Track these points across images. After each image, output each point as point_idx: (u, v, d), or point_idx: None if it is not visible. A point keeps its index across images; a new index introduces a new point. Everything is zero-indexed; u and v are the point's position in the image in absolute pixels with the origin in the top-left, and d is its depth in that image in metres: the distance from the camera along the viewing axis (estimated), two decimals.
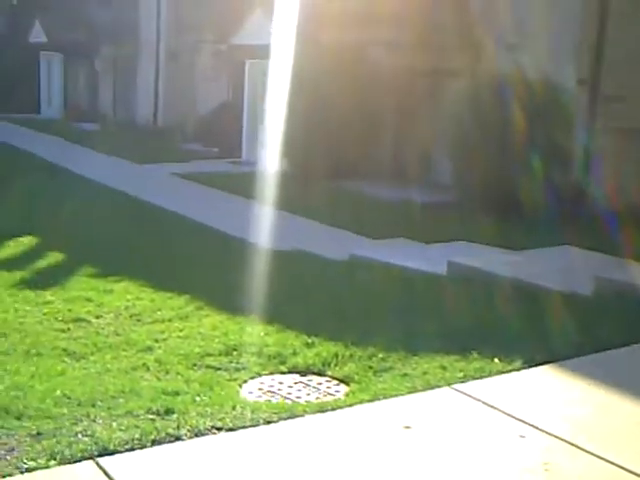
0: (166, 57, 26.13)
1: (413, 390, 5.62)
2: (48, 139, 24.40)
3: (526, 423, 4.93)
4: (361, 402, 5.37)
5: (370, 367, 6.31)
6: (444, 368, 6.06)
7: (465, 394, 5.44)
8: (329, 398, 5.79)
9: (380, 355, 6.50)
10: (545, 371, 5.93)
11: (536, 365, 6.01)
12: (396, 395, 5.53)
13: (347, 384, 6.08)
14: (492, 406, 5.21)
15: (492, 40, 14.28)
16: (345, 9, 16.54)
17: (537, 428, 4.87)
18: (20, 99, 30.82)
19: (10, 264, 9.82)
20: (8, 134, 24.08)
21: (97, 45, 29.60)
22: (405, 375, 6.06)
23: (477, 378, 5.76)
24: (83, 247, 10.67)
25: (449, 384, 5.64)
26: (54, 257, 10.41)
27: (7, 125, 27.17)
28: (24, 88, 31.33)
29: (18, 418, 5.00)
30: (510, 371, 5.94)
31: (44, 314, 7.75)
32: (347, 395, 5.83)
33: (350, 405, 5.33)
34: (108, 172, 17.87)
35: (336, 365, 6.40)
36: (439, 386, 5.64)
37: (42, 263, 10.12)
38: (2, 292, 8.46)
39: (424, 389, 5.62)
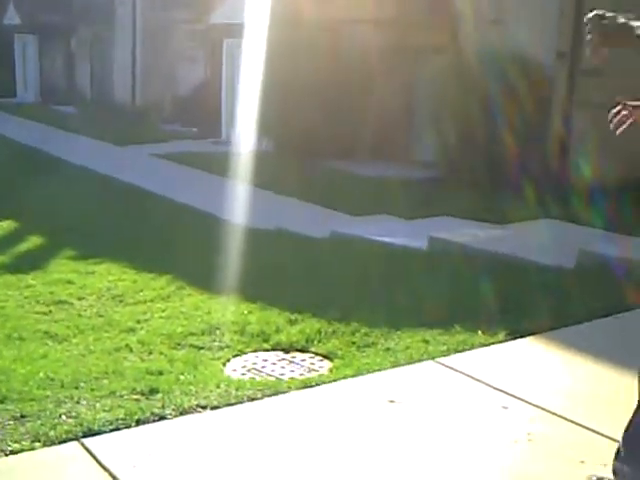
0: (143, 36, 25.93)
1: (396, 364, 5.63)
2: (25, 123, 24.21)
3: (509, 394, 4.96)
4: (345, 377, 5.38)
5: (353, 342, 6.33)
6: (427, 342, 6.08)
7: (448, 367, 5.46)
8: (313, 374, 5.79)
9: (363, 331, 6.52)
10: (528, 343, 5.96)
11: (519, 337, 6.04)
12: (379, 370, 5.54)
13: (331, 360, 6.09)
14: (475, 378, 5.23)
15: (471, 15, 14.25)
16: None
17: (520, 399, 4.89)
18: None
19: None
20: None
21: (73, 25, 29.33)
22: (388, 350, 6.07)
23: (460, 351, 5.78)
24: (63, 230, 10.61)
25: (432, 358, 5.66)
26: (34, 241, 10.36)
27: None
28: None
29: (1, 401, 4.98)
30: (493, 343, 5.97)
31: (25, 297, 7.72)
32: (331, 371, 5.85)
33: (334, 380, 5.34)
34: (86, 154, 17.75)
35: (319, 341, 6.41)
36: (422, 360, 5.66)
37: (22, 247, 10.08)
38: None
39: (407, 363, 5.63)
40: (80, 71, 30.76)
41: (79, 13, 27.91)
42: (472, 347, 5.86)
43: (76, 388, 5.33)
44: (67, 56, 31.31)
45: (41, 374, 5.64)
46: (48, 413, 4.70)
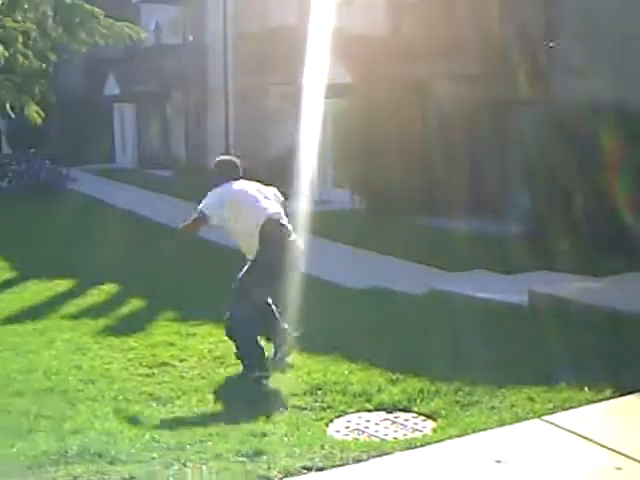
0: (235, 100, 26.50)
1: (502, 423, 5.54)
2: (123, 187, 24.87)
3: (622, 454, 4.81)
4: (450, 437, 5.32)
5: (456, 401, 6.26)
6: (532, 400, 5.97)
7: (556, 425, 5.34)
8: (417, 434, 5.74)
9: (466, 389, 6.44)
10: (637, 399, 5.79)
11: (627, 393, 5.87)
12: (485, 429, 5.46)
13: (434, 420, 6.03)
14: (585, 437, 5.10)
15: (561, 67, 14.18)
16: (411, 43, 16.61)
17: (635, 460, 4.74)
18: (96, 150, 31.55)
19: (94, 312, 9.98)
20: (86, 184, 24.61)
21: (168, 93, 30.19)
22: (492, 408, 5.98)
23: (567, 409, 5.66)
24: (164, 292, 10.79)
25: (538, 416, 5.55)
26: (135, 303, 10.55)
27: (85, 175, 27.80)
28: (100, 139, 32.08)
29: (111, 463, 5.07)
30: (600, 400, 5.82)
31: (129, 359, 7.84)
32: (435, 431, 5.78)
33: (439, 441, 5.28)
34: (183, 218, 18.07)
35: (422, 401, 6.36)
36: (528, 418, 5.56)
37: (124, 309, 10.27)
38: (88, 339, 8.59)
39: (513, 422, 5.54)
40: (175, 136, 31.56)
41: (173, 81, 28.71)
42: (579, 404, 5.73)
43: (182, 450, 5.39)
44: (163, 122, 32.21)
45: (147, 436, 5.73)
46: (157, 475, 4.75)
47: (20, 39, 9.15)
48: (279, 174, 19.42)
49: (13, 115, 10.20)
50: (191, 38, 30.11)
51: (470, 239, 12.93)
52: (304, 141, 19.90)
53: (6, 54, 7.91)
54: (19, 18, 8.86)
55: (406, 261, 12.14)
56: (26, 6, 7.94)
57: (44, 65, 9.62)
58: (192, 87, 28.46)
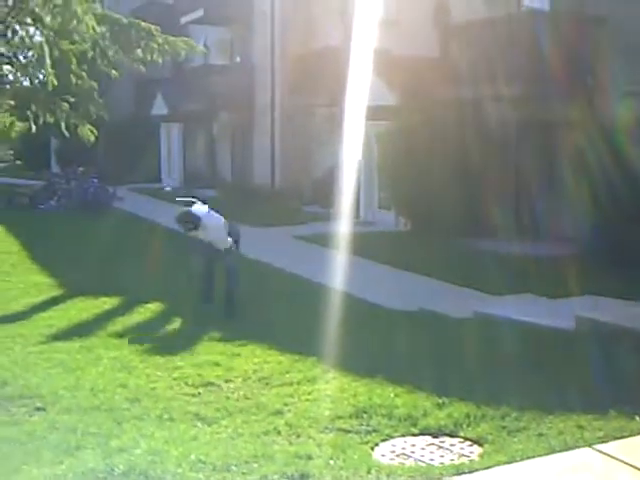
0: (281, 121, 26.63)
1: (551, 451, 5.46)
2: (169, 207, 25.04)
3: None
4: (498, 464, 5.26)
5: (503, 427, 6.19)
6: (581, 427, 5.89)
7: (607, 455, 5.24)
8: (464, 460, 5.68)
9: (513, 414, 6.37)
10: None
11: None
12: (533, 456, 5.39)
13: (481, 445, 5.96)
14: (638, 468, 5.00)
15: (606, 86, 14.08)
16: (457, 65, 16.61)
17: None
18: (143, 169, 31.87)
19: (139, 330, 10.05)
20: (132, 203, 24.88)
21: (215, 113, 30.42)
22: (540, 435, 5.91)
23: (619, 438, 5.57)
24: (207, 310, 10.84)
25: (589, 444, 5.46)
26: (180, 322, 10.60)
27: (132, 194, 28.10)
28: (147, 158, 32.41)
29: None
30: None
31: (174, 379, 7.86)
32: (482, 456, 5.72)
33: (487, 467, 5.22)
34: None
35: (469, 425, 6.30)
36: (578, 446, 5.47)
37: (169, 328, 10.32)
38: (134, 358, 8.64)
39: (562, 450, 5.46)
40: (221, 156, 31.79)
41: (220, 101, 28.92)
42: (631, 434, 5.63)
43: (227, 471, 5.40)
44: (209, 142, 32.46)
45: (193, 456, 5.74)
46: None
47: (75, 61, 9.27)
48: (324, 194, 19.51)
49: (68, 134, 10.32)
50: (238, 59, 30.38)
51: (515, 262, 12.85)
52: (349, 162, 19.94)
53: (55, 82, 8.01)
54: (76, 38, 8.98)
55: (450, 284, 12.08)
56: (84, 28, 8.06)
57: (95, 85, 9.75)
58: (239, 107, 28.65)
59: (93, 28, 7.96)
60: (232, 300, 10.80)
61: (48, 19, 7.50)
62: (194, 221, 10.41)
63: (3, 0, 7.26)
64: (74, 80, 9.16)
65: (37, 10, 7.41)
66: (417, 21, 19.05)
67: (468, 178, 14.86)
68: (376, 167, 19.91)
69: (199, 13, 29.62)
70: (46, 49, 7.72)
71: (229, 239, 10.73)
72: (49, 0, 7.58)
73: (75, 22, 7.84)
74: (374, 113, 18.69)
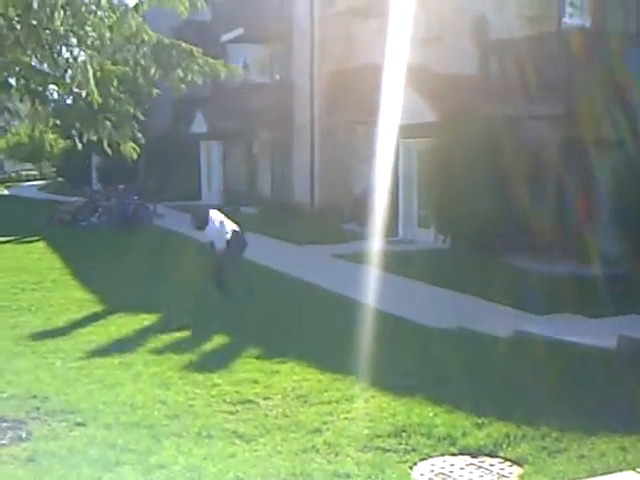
0: (320, 138, 26.70)
1: (592, 473, 5.40)
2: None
3: None
4: None
5: (544, 448, 6.13)
6: (624, 449, 5.81)
7: None
8: None
9: (553, 435, 6.31)
10: None
11: None
12: (574, 478, 5.32)
13: (521, 465, 5.91)
14: None
15: None
16: (497, 82, 16.54)
17: None
18: (183, 186, 32.11)
19: (178, 347, 10.07)
20: (172, 220, 25.05)
21: (254, 130, 30.57)
22: (582, 457, 5.84)
23: None
24: (246, 328, 10.85)
25: (632, 467, 5.38)
26: (219, 339, 10.62)
27: (172, 211, 28.30)
28: (186, 176, 32.67)
29: None
30: None
31: (212, 396, 7.88)
32: (522, 477, 5.67)
33: None
34: (269, 254, 18.26)
35: (508, 446, 6.25)
36: (621, 469, 5.39)
37: (208, 345, 10.34)
38: (173, 375, 8.67)
39: (604, 472, 5.39)
40: (261, 173, 31.93)
41: (260, 118, 29.07)
42: None
43: None
44: (248, 159, 32.62)
45: (231, 474, 5.75)
46: None
47: (116, 82, 9.38)
48: (363, 212, 19.50)
49: (110, 152, 10.43)
50: (278, 76, 30.52)
51: (556, 280, 12.74)
52: (388, 180, 19.93)
53: (99, 100, 8.12)
54: (117, 58, 9.10)
55: (490, 302, 11.98)
56: (129, 47, 8.16)
57: (131, 110, 9.84)
58: (278, 124, 28.76)
59: (149, 36, 8.09)
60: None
61: (94, 37, 7.60)
62: (205, 221, 12.68)
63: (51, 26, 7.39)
64: (112, 103, 9.26)
65: (89, 29, 7.53)
66: (456, 38, 19.03)
67: (509, 195, 14.77)
68: (415, 185, 19.87)
69: (239, 32, 29.83)
70: (90, 69, 7.80)
71: (224, 244, 12.65)
72: (105, 17, 7.70)
73: (131, 34, 7.97)
74: (413, 130, 18.69)
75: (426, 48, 20.17)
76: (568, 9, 16.58)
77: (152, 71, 9.52)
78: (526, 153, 15.35)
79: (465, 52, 18.24)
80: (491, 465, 6.00)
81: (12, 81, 9.03)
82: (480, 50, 17.66)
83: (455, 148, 16.03)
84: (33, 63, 8.64)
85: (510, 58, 16.19)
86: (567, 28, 16.30)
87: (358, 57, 23.29)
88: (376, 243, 18.41)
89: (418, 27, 20.10)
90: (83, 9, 7.60)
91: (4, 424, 7.04)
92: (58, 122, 10.21)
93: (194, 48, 10.08)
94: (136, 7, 9.15)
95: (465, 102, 16.70)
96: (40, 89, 9.12)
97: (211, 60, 10.22)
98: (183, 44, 10.09)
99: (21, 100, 9.75)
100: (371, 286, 13.28)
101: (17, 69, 8.65)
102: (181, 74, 9.81)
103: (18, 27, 7.81)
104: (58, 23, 7.66)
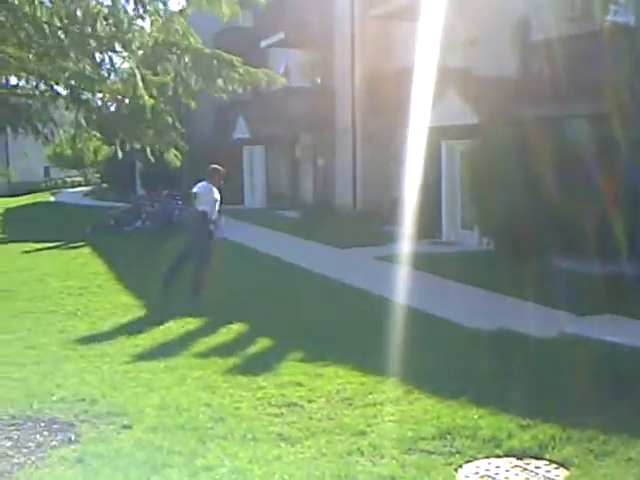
0: (362, 142, 26.73)
1: None
2: (252, 228, 25.34)
3: None
4: None
5: (590, 450, 6.08)
6: None
7: None
8: None
9: (600, 438, 6.26)
10: None
11: None
12: None
13: (567, 468, 5.86)
14: None
15: None
16: (539, 83, 16.44)
17: None
18: (226, 191, 32.25)
19: (223, 350, 10.14)
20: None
21: (296, 135, 30.68)
22: (630, 460, 5.79)
23: None
24: (290, 331, 10.89)
25: None
26: (263, 342, 10.67)
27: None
28: (229, 180, 32.80)
29: None
30: None
31: (258, 399, 7.92)
32: None
33: None
34: (311, 257, 18.34)
35: (554, 448, 6.20)
36: None
37: (252, 349, 10.39)
38: (218, 378, 8.73)
39: None
40: (303, 177, 32.03)
41: (302, 123, 29.16)
42: None
43: None
44: (291, 163, 32.74)
45: (276, 476, 5.79)
46: None
47: (155, 92, 9.48)
48: (405, 214, 19.48)
49: (153, 160, 10.57)
50: (319, 80, 30.60)
51: (602, 281, 12.63)
52: (431, 182, 19.89)
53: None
54: (158, 70, 9.21)
55: (534, 303, 11.90)
56: (170, 56, 8.25)
57: (170, 121, 9.96)
58: (320, 129, 28.85)
59: (195, 40, 8.17)
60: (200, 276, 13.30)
61: (138, 43, 7.68)
62: (193, 195, 13.45)
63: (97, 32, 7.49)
64: (148, 115, 9.37)
65: (132, 35, 7.61)
66: (497, 39, 18.95)
67: (553, 196, 14.66)
68: (458, 186, 19.81)
69: (280, 36, 29.97)
70: (137, 73, 7.92)
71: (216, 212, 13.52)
72: (152, 21, 7.80)
73: (177, 39, 8.06)
74: (456, 132, 18.65)
75: (467, 50, 20.12)
76: (612, 7, 16.43)
77: (192, 81, 9.61)
78: (568, 154, 15.23)
79: (506, 53, 18.16)
80: (537, 467, 5.97)
81: (59, 90, 9.17)
82: (521, 51, 17.56)
83: (497, 149, 15.95)
84: (79, 70, 8.76)
85: (551, 59, 16.08)
86: (610, 26, 16.16)
87: (398, 60, 23.29)
88: (419, 245, 18.41)
89: (458, 29, 20.06)
90: (125, 19, 7.69)
91: (54, 426, 7.16)
92: (100, 132, 10.36)
93: (234, 58, 10.14)
94: (181, 12, 9.27)
95: (506, 103, 16.63)
96: (85, 97, 9.25)
97: (252, 69, 10.27)
98: (224, 54, 10.15)
99: (66, 108, 9.89)
100: (413, 288, 13.29)
101: (65, 76, 8.78)
102: (221, 84, 9.88)
103: (63, 36, 7.92)
104: (101, 32, 7.76)
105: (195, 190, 13.41)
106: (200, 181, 13.66)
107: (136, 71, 8.22)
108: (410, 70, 20.50)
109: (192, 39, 8.42)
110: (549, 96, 15.88)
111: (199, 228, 13.31)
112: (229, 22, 10.53)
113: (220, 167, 13.71)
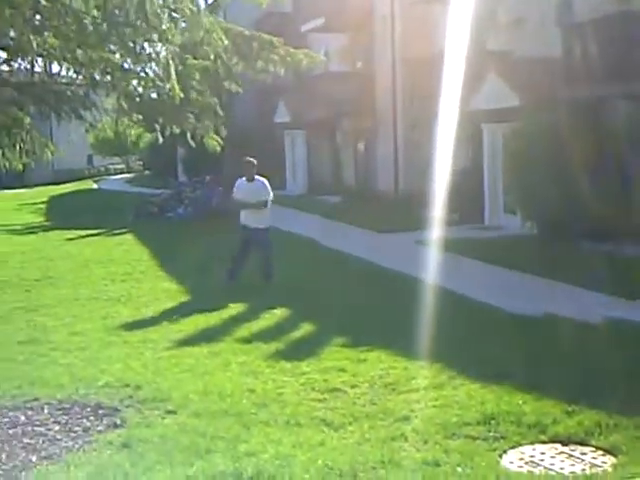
0: (403, 126, 26.59)
1: None
2: (293, 213, 25.34)
3: None
4: (634, 476, 5.09)
5: (638, 437, 6.00)
6: None
7: None
8: (596, 470, 5.53)
9: None
10: None
11: None
12: None
13: (614, 455, 5.80)
14: None
15: None
16: (583, 64, 16.21)
17: None
18: (268, 176, 32.32)
19: (266, 336, 10.16)
20: None
21: (338, 120, 30.58)
22: None
23: None
24: (333, 317, 10.88)
25: None
26: (306, 327, 10.69)
27: None
28: (271, 166, 32.87)
29: None
30: None
31: (301, 384, 7.93)
32: (615, 467, 5.56)
33: (623, 479, 5.05)
34: (352, 242, 18.32)
35: (600, 434, 6.13)
36: None
37: (295, 334, 10.41)
38: (261, 363, 8.76)
39: None
40: (345, 162, 31.95)
41: (342, 107, 29.06)
42: None
43: (354, 477, 5.43)
44: (332, 149, 32.66)
45: (320, 462, 5.78)
46: None
47: (198, 76, 9.49)
48: (449, 199, 19.36)
49: (194, 144, 10.60)
50: (359, 65, 30.47)
51: None
52: (473, 166, 19.73)
53: (181, 95, 8.23)
54: (200, 54, 9.20)
55: (579, 287, 11.78)
56: (213, 40, 8.25)
57: (215, 101, 9.96)
58: (361, 114, 28.74)
59: (221, 40, 8.12)
60: (270, 267, 13.41)
61: (172, 36, 7.69)
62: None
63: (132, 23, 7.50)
64: (194, 96, 9.36)
65: (165, 27, 7.62)
66: (538, 21, 18.72)
67: (597, 180, 14.47)
68: (500, 170, 19.62)
69: (319, 21, 29.86)
70: (171, 64, 7.93)
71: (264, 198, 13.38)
72: (178, 18, 7.78)
73: (203, 35, 8.03)
74: (498, 115, 18.46)
75: (508, 32, 19.89)
76: None
77: (233, 62, 9.60)
78: (614, 135, 15.03)
79: (548, 34, 17.92)
80: (582, 454, 5.91)
81: (97, 77, 9.21)
82: (563, 32, 17.31)
83: (538, 132, 15.77)
84: (116, 60, 8.80)
85: (595, 39, 15.85)
86: None
87: (439, 44, 23.06)
88: (460, 230, 18.29)
89: (499, 11, 19.84)
90: (158, 10, 7.69)
91: (100, 411, 7.24)
92: (141, 117, 10.41)
93: (275, 39, 10.12)
94: (212, 5, 9.23)
95: (549, 86, 16.41)
96: (124, 84, 9.28)
97: (292, 50, 10.25)
98: (264, 35, 10.13)
99: (107, 95, 9.95)
100: (455, 273, 13.21)
101: (102, 66, 8.82)
102: (262, 65, 9.86)
103: (101, 25, 7.95)
104: (137, 21, 7.76)
105: (238, 197, 13.60)
106: (239, 178, 13.80)
107: (170, 62, 8.22)
108: (450, 54, 20.31)
109: (216, 36, 8.38)
110: (591, 78, 15.65)
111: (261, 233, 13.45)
112: (269, 7, 10.51)
113: (252, 159, 13.61)
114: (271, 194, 13.50)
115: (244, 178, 13.59)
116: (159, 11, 7.62)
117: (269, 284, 13.15)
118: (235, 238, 13.82)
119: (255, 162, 13.56)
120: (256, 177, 13.54)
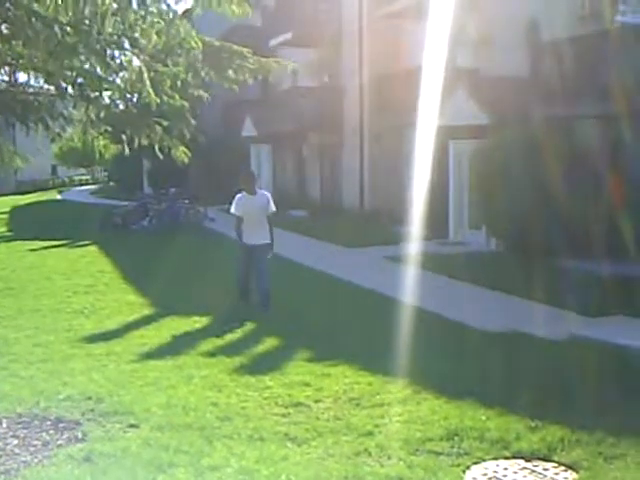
0: (370, 141, 26.69)
1: None
2: None
3: None
4: None
5: (599, 453, 6.03)
6: None
7: None
8: None
9: (609, 440, 6.21)
10: None
11: None
12: None
13: (576, 471, 5.82)
14: None
15: None
16: (549, 83, 16.39)
17: None
18: (234, 190, 32.26)
19: (230, 349, 10.11)
20: (223, 223, 25.16)
21: (303, 133, 30.62)
22: None
23: None
24: (298, 331, 10.87)
25: None
26: (271, 342, 10.64)
27: (223, 215, 28.41)
28: (237, 179, 32.80)
29: None
30: None
31: (265, 398, 7.89)
32: None
33: None
34: (318, 257, 18.30)
35: (563, 450, 6.16)
36: None
37: (260, 348, 10.36)
38: (225, 377, 8.70)
39: None
40: (310, 177, 31.98)
41: (309, 122, 29.11)
42: None
43: None
44: (298, 163, 32.70)
45: (283, 476, 5.76)
46: None
47: (169, 83, 9.48)
48: (413, 214, 19.45)
49: (161, 157, 10.58)
50: (327, 80, 30.57)
51: (611, 283, 12.53)
52: (438, 182, 19.83)
53: (157, 100, 8.21)
54: (170, 62, 9.20)
55: (544, 305, 11.86)
56: (179, 52, 8.25)
57: (187, 105, 9.95)
58: (327, 128, 28.81)
59: (197, 43, 8.14)
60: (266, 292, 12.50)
61: (148, 42, 7.66)
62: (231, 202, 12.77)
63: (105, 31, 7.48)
64: (165, 99, 9.35)
65: (138, 35, 7.61)
66: (507, 40, 18.91)
67: (561, 197, 14.60)
68: (466, 186, 19.76)
69: (287, 36, 29.94)
70: (145, 71, 7.92)
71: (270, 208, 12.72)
72: (154, 23, 7.75)
73: (179, 40, 8.04)
74: (464, 132, 18.59)
75: (476, 50, 20.07)
76: (621, 7, 16.38)
77: (203, 73, 9.62)
78: (577, 154, 15.18)
79: (516, 54, 18.11)
80: (545, 470, 5.93)
81: (68, 87, 9.17)
82: (531, 51, 17.51)
83: (505, 150, 15.90)
84: (87, 67, 8.75)
85: (561, 59, 16.03)
86: (620, 26, 16.10)
87: (407, 59, 23.24)
88: (427, 245, 18.36)
89: (468, 29, 20.01)
90: (132, 17, 7.67)
91: (61, 424, 7.14)
92: (109, 128, 10.37)
93: (244, 49, 10.15)
94: (187, 12, 9.24)
95: (516, 104, 16.57)
96: (94, 95, 9.25)
97: (262, 59, 10.29)
98: (234, 46, 10.16)
99: (74, 106, 9.90)
100: (422, 289, 13.24)
101: (71, 74, 8.78)
102: (232, 75, 9.88)
103: (72, 33, 7.91)
104: (109, 29, 7.74)
105: (236, 213, 12.55)
106: (238, 192, 12.74)
107: (144, 69, 8.22)
108: (419, 70, 20.46)
109: (193, 43, 8.39)
110: (559, 96, 15.82)
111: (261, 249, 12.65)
112: (238, 20, 10.52)
113: (252, 171, 13.65)
114: (274, 208, 12.79)
115: (243, 192, 12.58)
116: (136, 19, 7.62)
117: (267, 308, 12.32)
118: (198, 250, 13.73)
119: (255, 173, 13.14)
120: (257, 190, 12.76)
